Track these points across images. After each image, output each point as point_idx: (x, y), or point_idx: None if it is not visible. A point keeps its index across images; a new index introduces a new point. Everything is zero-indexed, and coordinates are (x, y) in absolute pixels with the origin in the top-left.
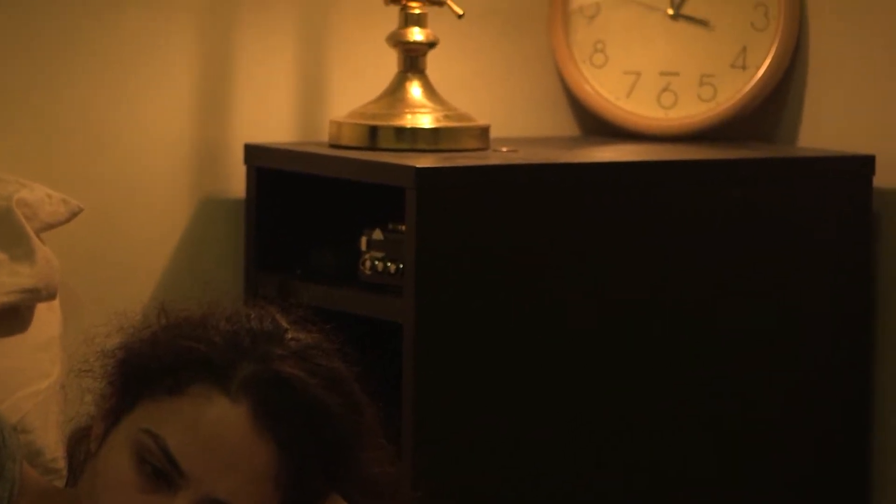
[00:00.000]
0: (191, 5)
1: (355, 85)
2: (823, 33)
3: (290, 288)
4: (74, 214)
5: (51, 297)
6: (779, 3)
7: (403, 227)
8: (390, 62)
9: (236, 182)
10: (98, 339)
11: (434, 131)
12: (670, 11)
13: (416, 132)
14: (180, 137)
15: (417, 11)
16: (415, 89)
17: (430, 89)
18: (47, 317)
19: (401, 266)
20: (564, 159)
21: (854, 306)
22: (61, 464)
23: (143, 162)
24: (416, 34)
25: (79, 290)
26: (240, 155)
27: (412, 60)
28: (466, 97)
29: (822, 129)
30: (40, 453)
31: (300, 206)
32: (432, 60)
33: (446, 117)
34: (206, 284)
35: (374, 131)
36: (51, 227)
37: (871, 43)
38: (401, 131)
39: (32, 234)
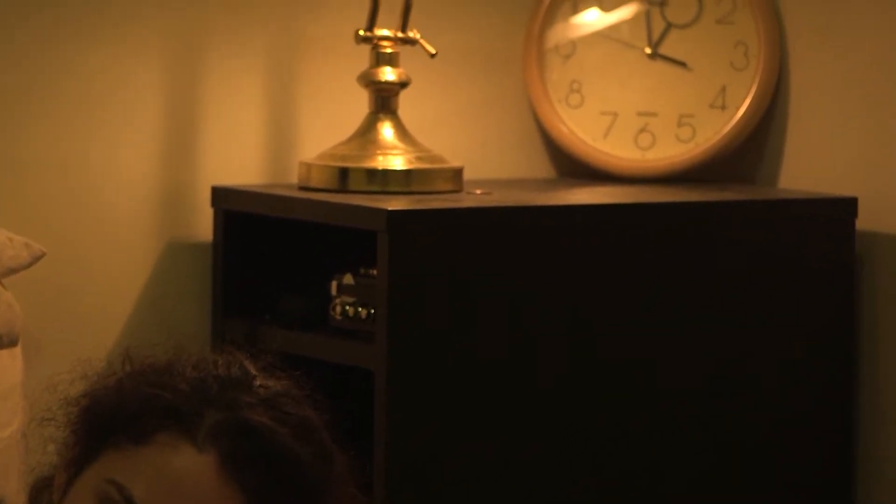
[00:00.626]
0: (157, 46)
1: (325, 126)
2: (804, 73)
3: (258, 334)
4: (37, 258)
5: (12, 343)
6: (759, 41)
7: (375, 272)
8: (361, 102)
9: (203, 225)
10: (61, 386)
11: (406, 173)
12: (648, 50)
13: (387, 174)
14: (146, 179)
15: (389, 50)
16: (386, 130)
17: (401, 130)
18: (8, 363)
19: (372, 311)
20: (539, 202)
21: (837, 351)
22: None
23: (108, 205)
24: (388, 74)
25: (41, 336)
26: (207, 197)
27: (384, 101)
28: (439, 138)
29: (804, 171)
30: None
31: (269, 250)
32: (404, 100)
33: (419, 159)
34: (172, 330)
35: (344, 173)
36: (13, 271)
37: (853, 82)
38: (372, 173)
39: None
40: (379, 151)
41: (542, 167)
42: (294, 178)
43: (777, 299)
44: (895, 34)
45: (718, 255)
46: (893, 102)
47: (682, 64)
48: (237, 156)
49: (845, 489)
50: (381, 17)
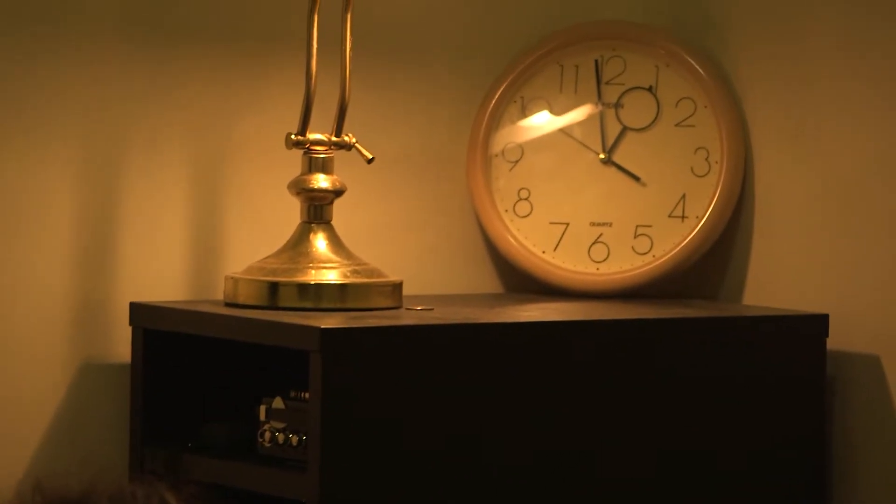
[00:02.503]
0: (73, 153)
1: (253, 237)
2: (770, 180)
3: (180, 462)
4: None
5: None
6: (721, 146)
7: (307, 395)
8: (292, 212)
9: (121, 344)
10: None
11: (341, 288)
12: (602, 156)
13: (321, 289)
14: (59, 295)
15: (322, 156)
16: (320, 242)
17: (336, 242)
18: None
19: (304, 438)
20: (485, 319)
21: (807, 477)
22: None
23: (18, 322)
24: (321, 181)
25: None
26: (125, 314)
27: (317, 210)
28: (377, 250)
29: (770, 286)
30: None
31: (192, 372)
32: (339, 209)
33: (355, 272)
34: (87, 458)
35: (274, 288)
36: None
37: (822, 192)
38: (304, 288)
39: None
40: (311, 265)
41: (488, 281)
42: (219, 294)
43: (744, 422)
44: (867, 144)
45: (679, 377)
46: (864, 215)
47: (638, 169)
48: (158, 270)
49: None
50: (313, 119)
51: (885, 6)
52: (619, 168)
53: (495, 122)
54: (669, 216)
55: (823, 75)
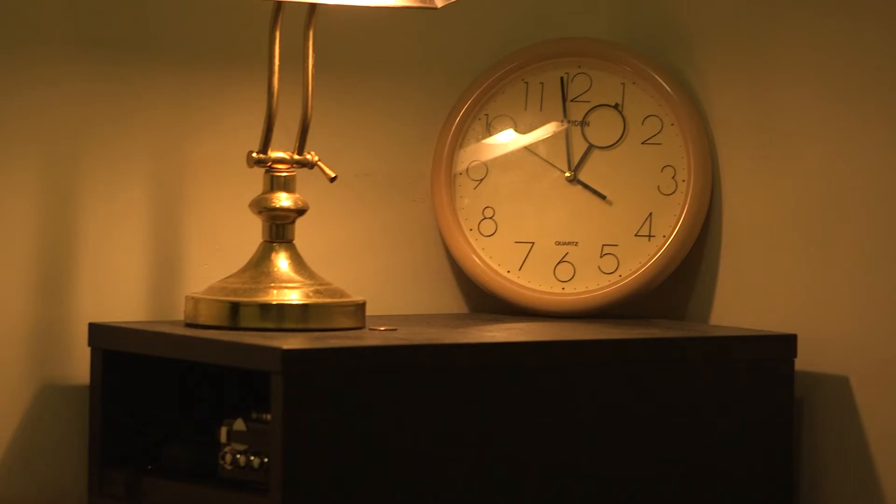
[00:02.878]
0: (29, 175)
1: (214, 257)
2: (738, 199)
3: (140, 486)
4: None
5: None
6: (688, 164)
7: (268, 416)
8: (254, 231)
9: (80, 366)
10: None
11: (303, 308)
12: (567, 174)
13: (283, 309)
14: (17, 316)
15: (285, 174)
16: (282, 261)
17: (298, 261)
18: None
19: (265, 460)
20: (449, 339)
21: (776, 498)
22: None
23: None
24: (283, 200)
25: None
26: (83, 335)
27: (279, 229)
28: (340, 270)
29: (738, 306)
30: None
31: (152, 393)
32: (301, 229)
33: (317, 293)
34: (45, 483)
35: (235, 308)
36: None
37: (790, 211)
38: (266, 308)
39: None
40: (273, 284)
41: (452, 301)
42: (180, 315)
43: (711, 444)
44: (837, 162)
45: (645, 396)
46: (833, 235)
47: (604, 188)
48: (117, 290)
49: None
50: (275, 137)
51: (857, 21)
52: (585, 186)
53: (460, 140)
54: (636, 235)
55: (792, 92)
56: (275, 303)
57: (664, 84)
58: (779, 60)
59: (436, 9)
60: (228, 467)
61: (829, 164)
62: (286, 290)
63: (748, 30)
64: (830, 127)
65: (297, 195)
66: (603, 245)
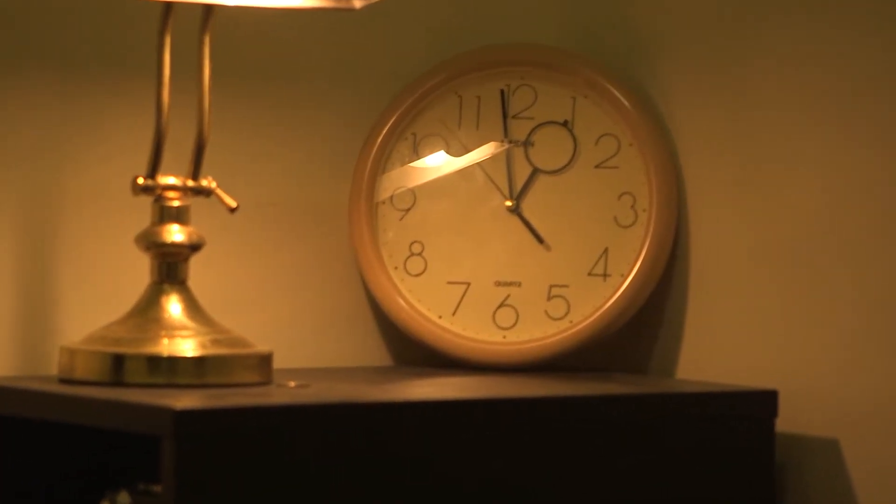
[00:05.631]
0: None
1: (94, 301)
2: (706, 232)
3: None
4: None
5: None
6: (650, 191)
7: (158, 488)
8: (141, 270)
9: None
10: None
11: (199, 361)
12: (508, 203)
13: (175, 362)
14: None
15: (177, 203)
16: (173, 305)
17: (193, 305)
18: None
19: None
20: (370, 397)
21: None
22: None
23: None
24: (175, 234)
25: None
26: None
27: (169, 268)
28: (242, 315)
29: (707, 358)
30: None
31: (22, 460)
32: (197, 267)
33: (215, 342)
34: None
35: (119, 361)
36: None
37: (767, 245)
38: (155, 361)
39: None
40: (164, 333)
41: (374, 352)
42: (53, 369)
43: None
44: (820, 192)
45: (600, 464)
46: (819, 275)
47: (552, 219)
48: None
49: None
50: (166, 160)
51: (848, 30)
52: (525, 223)
53: (382, 164)
54: (589, 274)
55: (773, 108)
56: (165, 355)
57: (622, 98)
58: (757, 72)
59: (354, 9)
60: None
61: (815, 192)
62: (179, 340)
63: (721, 37)
64: (816, 149)
65: (192, 228)
66: (551, 286)
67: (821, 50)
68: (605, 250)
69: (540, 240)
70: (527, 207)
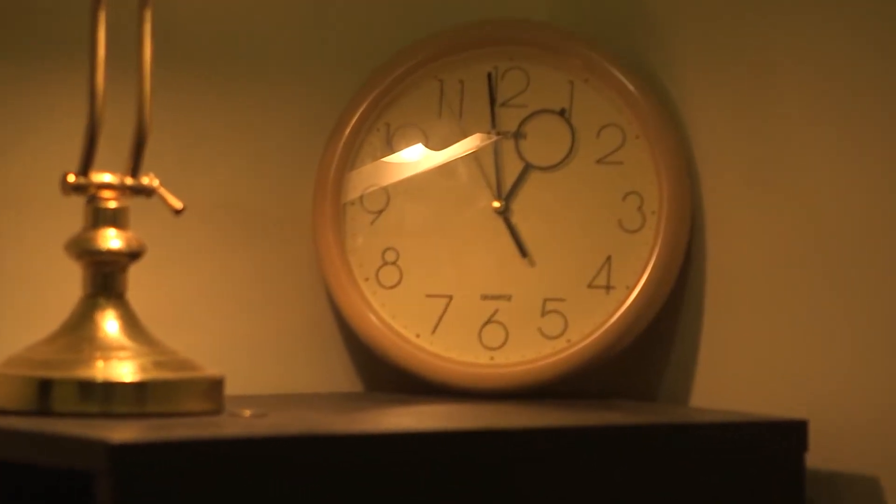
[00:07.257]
0: None
1: (16, 317)
2: (725, 237)
3: None
4: None
5: None
6: (659, 191)
7: None
8: (72, 281)
9: None
10: None
11: (139, 387)
12: (496, 204)
13: (111, 388)
14: None
15: (114, 205)
16: (109, 322)
17: (132, 322)
18: None
19: None
20: (336, 428)
21: None
22: None
23: None
24: (112, 239)
25: None
26: None
27: (105, 279)
28: (189, 334)
29: (725, 383)
30: None
31: None
32: (137, 278)
33: (158, 365)
34: None
35: (46, 387)
36: None
37: (796, 252)
38: (88, 387)
39: None
40: (98, 354)
41: (342, 376)
42: None
43: None
44: (855, 191)
45: (601, 502)
46: (854, 287)
47: (547, 222)
48: None
49: None
50: (101, 155)
51: (874, 25)
52: (512, 232)
53: (351, 159)
54: (589, 286)
55: (797, 94)
56: (100, 379)
57: (627, 83)
58: (783, 52)
59: None
60: None
61: (851, 190)
62: (116, 362)
63: (742, 10)
64: (852, 142)
65: (131, 233)
66: (545, 300)
67: (855, 29)
68: (608, 259)
69: (524, 252)
70: (517, 209)
